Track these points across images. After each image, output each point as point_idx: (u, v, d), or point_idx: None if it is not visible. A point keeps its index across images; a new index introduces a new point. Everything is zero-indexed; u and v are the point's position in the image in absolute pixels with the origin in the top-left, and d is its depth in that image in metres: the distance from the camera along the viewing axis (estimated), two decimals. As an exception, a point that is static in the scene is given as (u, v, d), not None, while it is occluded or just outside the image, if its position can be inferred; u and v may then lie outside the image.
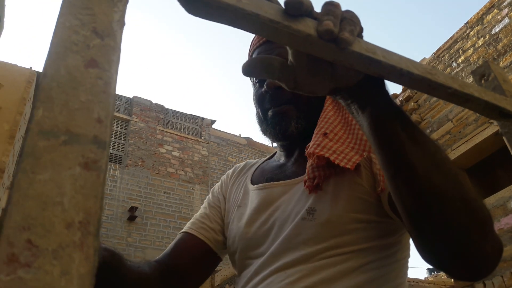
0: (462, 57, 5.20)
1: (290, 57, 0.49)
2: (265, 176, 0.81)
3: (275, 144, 0.88)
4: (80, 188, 0.21)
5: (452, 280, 5.61)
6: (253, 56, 0.80)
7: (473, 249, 0.47)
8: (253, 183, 0.83)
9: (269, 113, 0.77)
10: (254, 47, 0.81)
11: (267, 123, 0.78)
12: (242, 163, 0.95)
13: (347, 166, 0.63)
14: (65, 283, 0.18)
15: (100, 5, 0.29)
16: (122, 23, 0.30)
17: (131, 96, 10.28)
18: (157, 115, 10.07)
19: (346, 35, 0.40)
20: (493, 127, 4.57)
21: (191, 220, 0.86)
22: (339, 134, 0.70)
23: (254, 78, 0.81)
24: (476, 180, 5.47)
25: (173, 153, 9.76)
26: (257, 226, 0.74)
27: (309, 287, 0.62)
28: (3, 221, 0.19)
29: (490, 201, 4.90)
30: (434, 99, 5.36)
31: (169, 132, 9.99)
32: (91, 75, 0.26)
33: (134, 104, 9.89)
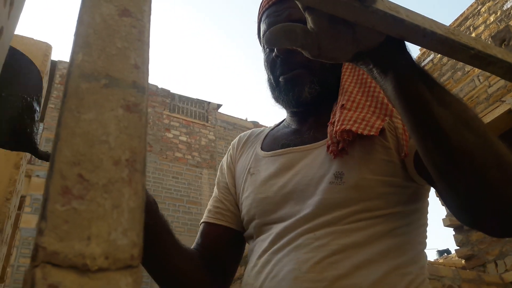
0: (473, 34, 5.11)
1: (310, 24, 0.48)
2: (279, 142, 0.79)
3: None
4: (124, 129, 0.21)
5: (463, 261, 5.62)
6: (263, 18, 0.80)
7: (508, 204, 0.47)
8: (264, 150, 0.81)
9: (281, 80, 0.75)
10: (263, 9, 0.79)
11: (279, 90, 0.76)
12: (248, 132, 0.93)
13: (371, 133, 0.63)
14: (117, 216, 0.19)
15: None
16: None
17: (137, 82, 10.28)
18: (163, 100, 10.07)
19: None
20: (505, 106, 4.51)
21: (207, 208, 0.86)
22: (357, 100, 0.68)
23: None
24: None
25: (180, 137, 9.79)
26: (275, 190, 0.72)
27: (340, 249, 0.62)
28: (54, 155, 0.19)
29: (501, 180, 4.87)
30: (445, 77, 5.29)
31: (175, 117, 9.99)
32: (125, 23, 0.26)
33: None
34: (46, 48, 0.33)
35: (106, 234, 0.18)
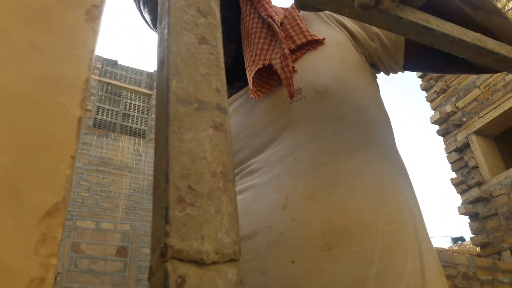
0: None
1: None
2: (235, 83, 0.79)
3: None
4: (216, 146, 0.26)
5: (478, 248, 5.63)
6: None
7: None
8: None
9: None
10: None
11: None
12: None
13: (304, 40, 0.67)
14: (220, 219, 0.23)
15: (199, -14, 0.33)
16: (217, 2, 0.34)
17: (151, 71, 10.36)
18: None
19: (385, 5, 0.44)
20: (522, 93, 4.46)
21: None
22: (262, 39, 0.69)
23: None
24: (505, 148, 5.38)
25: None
26: (242, 127, 0.71)
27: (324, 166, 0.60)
28: (168, 171, 0.23)
29: (517, 168, 4.84)
30: (460, 65, 5.24)
31: None
32: (204, 50, 0.30)
33: (155, 78, 9.97)
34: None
35: (214, 234, 0.22)
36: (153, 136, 9.06)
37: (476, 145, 5.37)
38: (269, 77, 0.68)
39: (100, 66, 9.34)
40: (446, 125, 5.84)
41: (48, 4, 0.23)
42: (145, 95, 9.71)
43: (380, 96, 0.74)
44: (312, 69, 0.66)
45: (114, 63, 9.63)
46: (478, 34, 0.53)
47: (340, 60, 0.68)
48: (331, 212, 0.55)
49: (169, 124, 0.25)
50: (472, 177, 5.38)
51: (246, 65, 0.68)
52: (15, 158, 0.19)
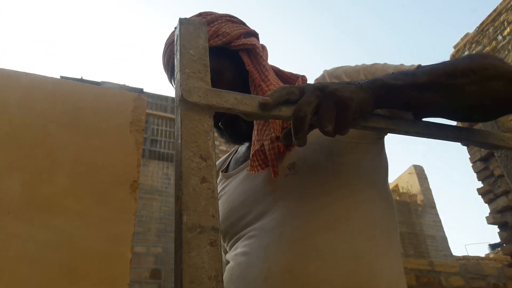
0: (508, 29, 5.05)
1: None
2: (239, 160, 0.89)
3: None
4: (211, 257, 0.42)
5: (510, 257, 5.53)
6: (172, 80, 0.87)
7: None
8: (230, 171, 0.91)
9: (220, 125, 0.84)
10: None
11: (223, 134, 0.85)
12: (218, 161, 1.00)
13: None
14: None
15: (200, 137, 0.50)
16: (214, 147, 0.50)
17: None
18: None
19: (327, 129, 0.53)
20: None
21: None
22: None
23: None
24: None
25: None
26: (239, 199, 0.80)
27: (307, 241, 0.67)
28: (182, 279, 0.40)
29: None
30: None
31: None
32: (204, 187, 0.46)
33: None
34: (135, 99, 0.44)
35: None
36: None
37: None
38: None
39: (127, 93, 9.72)
40: (470, 135, 5.81)
41: (110, 186, 0.41)
42: (171, 119, 10.07)
43: (380, 159, 0.78)
44: (307, 144, 0.72)
45: (140, 91, 10.07)
46: (422, 124, 0.67)
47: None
48: (303, 286, 0.63)
49: (182, 247, 0.42)
50: (499, 186, 5.34)
51: (252, 143, 0.77)
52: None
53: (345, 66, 0.79)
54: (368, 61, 0.84)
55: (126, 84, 10.05)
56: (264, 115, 0.55)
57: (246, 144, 0.90)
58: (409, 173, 13.24)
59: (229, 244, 0.82)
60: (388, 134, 0.79)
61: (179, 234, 0.43)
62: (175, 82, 0.56)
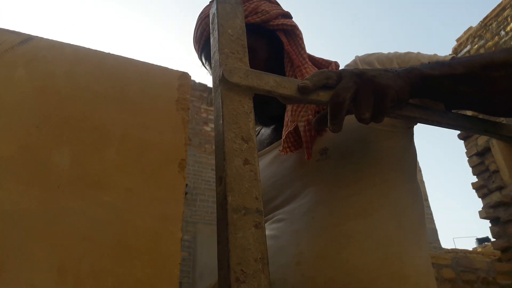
0: (511, 25, 5.04)
1: None
2: (264, 143, 0.89)
3: None
4: (257, 239, 0.42)
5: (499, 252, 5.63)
6: (203, 55, 0.85)
7: None
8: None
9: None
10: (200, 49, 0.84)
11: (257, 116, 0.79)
12: None
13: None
14: (260, 289, 0.39)
15: (241, 119, 0.49)
16: (254, 129, 0.49)
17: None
18: (201, 94, 10.40)
19: (364, 117, 0.53)
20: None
21: None
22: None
23: None
24: (525, 151, 5.36)
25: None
26: (267, 183, 0.79)
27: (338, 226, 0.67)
28: (229, 260, 0.39)
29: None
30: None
31: (213, 111, 10.25)
32: (247, 169, 0.46)
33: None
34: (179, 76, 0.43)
35: (257, 299, 0.38)
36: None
37: (497, 149, 5.38)
38: (300, 136, 0.74)
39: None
40: (467, 129, 5.84)
41: (159, 164, 0.40)
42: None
43: (409, 148, 0.77)
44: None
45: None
46: (453, 116, 0.66)
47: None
48: (336, 272, 0.63)
49: (228, 227, 0.41)
50: (493, 181, 5.39)
51: (284, 124, 0.76)
52: (153, 267, 0.35)
53: (378, 52, 0.78)
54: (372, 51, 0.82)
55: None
56: (302, 99, 0.54)
57: (272, 127, 0.89)
58: (403, 165, 13.22)
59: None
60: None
61: (224, 215, 0.42)
62: (213, 61, 0.54)
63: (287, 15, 0.84)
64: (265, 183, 0.79)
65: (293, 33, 0.81)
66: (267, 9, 0.80)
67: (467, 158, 5.84)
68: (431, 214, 12.54)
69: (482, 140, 5.64)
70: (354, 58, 0.80)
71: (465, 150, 5.91)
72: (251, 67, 0.77)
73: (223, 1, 0.58)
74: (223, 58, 0.53)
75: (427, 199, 12.93)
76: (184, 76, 0.47)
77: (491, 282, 4.25)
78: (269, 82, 0.53)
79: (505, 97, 0.61)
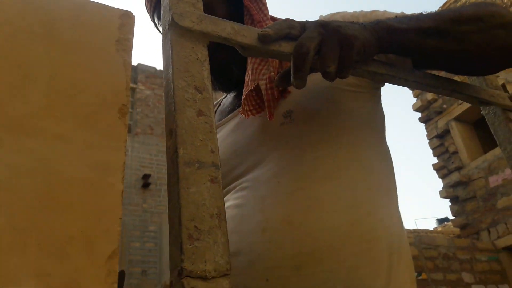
0: None
1: None
2: (226, 110, 0.84)
3: None
4: (212, 194, 0.37)
5: (459, 229, 5.88)
6: (155, 15, 0.80)
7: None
8: (217, 122, 0.83)
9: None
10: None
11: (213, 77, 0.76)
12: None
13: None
14: (216, 247, 0.35)
15: (194, 67, 0.44)
16: (209, 79, 0.45)
17: (135, 64, 10.33)
18: (162, 81, 10.17)
19: (330, 70, 0.49)
20: None
21: None
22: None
23: None
24: (483, 133, 5.59)
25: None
26: (228, 151, 0.76)
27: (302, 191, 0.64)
28: (180, 217, 0.35)
29: (495, 152, 5.05)
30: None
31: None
32: (201, 121, 0.41)
33: (139, 72, 9.93)
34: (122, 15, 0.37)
35: (213, 258, 0.34)
36: (138, 130, 9.07)
37: (456, 131, 5.58)
38: (262, 97, 0.69)
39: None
40: (428, 112, 6.03)
41: (95, 109, 0.35)
42: (130, 89, 9.71)
43: (377, 111, 0.75)
44: (304, 90, 0.65)
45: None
46: (421, 74, 0.64)
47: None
48: (303, 236, 0.61)
49: (179, 182, 0.37)
50: (453, 162, 5.60)
51: (245, 85, 0.71)
52: (87, 222, 0.30)
53: (343, 11, 0.75)
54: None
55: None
56: (263, 49, 0.50)
57: (233, 94, 0.84)
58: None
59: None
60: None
61: (175, 169, 0.38)
62: (162, 8, 0.49)
63: None
64: (227, 151, 0.76)
65: None
66: None
67: (428, 141, 6.02)
68: (394, 196, 12.89)
69: (442, 122, 5.83)
70: (318, 18, 0.76)
71: (426, 133, 6.10)
72: None
73: None
74: (173, 1, 0.47)
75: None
76: (127, 15, 0.41)
77: (451, 257, 4.44)
78: (225, 28, 0.48)
79: (477, 51, 0.59)
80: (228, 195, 0.73)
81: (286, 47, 0.51)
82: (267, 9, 0.74)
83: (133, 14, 0.41)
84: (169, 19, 0.45)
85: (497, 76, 0.84)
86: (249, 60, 0.72)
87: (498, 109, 0.73)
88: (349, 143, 0.68)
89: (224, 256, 0.35)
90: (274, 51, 0.50)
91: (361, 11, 0.73)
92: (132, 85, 9.73)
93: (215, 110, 0.90)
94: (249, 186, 0.69)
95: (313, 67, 0.53)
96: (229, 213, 0.69)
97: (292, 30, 0.51)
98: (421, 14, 0.59)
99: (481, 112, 0.77)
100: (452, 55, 0.59)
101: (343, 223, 0.62)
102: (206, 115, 0.42)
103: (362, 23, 0.55)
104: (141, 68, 10.14)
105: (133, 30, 0.41)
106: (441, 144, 5.78)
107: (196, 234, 0.35)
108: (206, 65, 0.45)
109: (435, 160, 5.96)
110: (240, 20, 0.74)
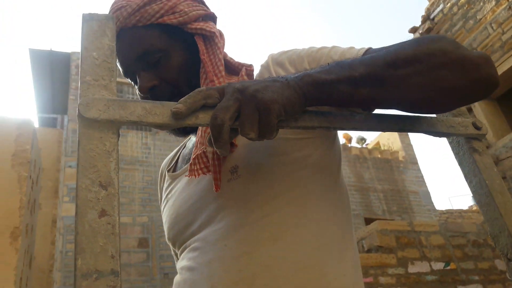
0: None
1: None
2: (185, 159, 0.81)
3: None
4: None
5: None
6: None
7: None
8: (175, 170, 0.83)
9: None
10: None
11: None
12: (167, 157, 0.93)
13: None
14: None
15: (101, 160, 0.43)
16: (117, 169, 0.44)
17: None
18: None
19: (250, 137, 0.48)
20: (520, 54, 4.42)
21: None
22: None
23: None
24: (509, 109, 5.36)
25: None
26: (184, 206, 0.73)
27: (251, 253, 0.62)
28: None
29: (521, 129, 4.83)
30: (456, 27, 5.18)
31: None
32: (103, 222, 0.40)
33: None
34: (59, 135, 0.39)
35: None
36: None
37: (479, 108, 5.36)
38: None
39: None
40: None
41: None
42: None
43: (329, 155, 0.71)
44: (249, 145, 0.66)
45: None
46: (360, 118, 0.60)
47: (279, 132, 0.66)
48: None
49: (74, 299, 0.36)
50: (481, 139, 5.39)
51: (195, 144, 0.70)
52: None
53: (292, 50, 0.71)
54: (341, 43, 0.74)
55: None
56: (179, 125, 0.49)
57: (193, 140, 0.82)
58: (391, 130, 13.35)
59: (179, 251, 0.76)
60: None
61: (73, 281, 0.37)
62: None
63: (210, 16, 0.76)
64: (183, 205, 0.74)
65: (212, 39, 0.74)
66: (186, 9, 0.72)
67: (451, 120, 5.81)
68: (422, 177, 12.64)
69: (464, 101, 5.58)
70: (268, 57, 0.73)
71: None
72: (163, 72, 0.71)
73: (90, 18, 0.52)
74: (83, 88, 0.46)
75: (416, 163, 13.01)
76: (25, 123, 0.41)
77: (482, 244, 4.25)
78: (135, 111, 0.47)
79: (418, 96, 0.54)
80: (184, 253, 0.72)
81: (204, 118, 0.49)
82: (221, 62, 0.71)
83: (32, 122, 0.41)
84: (77, 110, 0.45)
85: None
86: None
87: (461, 137, 0.69)
88: (298, 197, 0.65)
89: None
90: (191, 124, 0.49)
91: (309, 48, 0.69)
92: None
93: (179, 152, 0.89)
94: (200, 247, 0.67)
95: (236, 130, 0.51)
96: (182, 275, 0.68)
97: (208, 99, 0.49)
98: (355, 60, 0.55)
99: (448, 141, 0.73)
100: (391, 101, 0.55)
101: None
102: (109, 215, 0.41)
103: (285, 79, 0.52)
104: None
105: (30, 139, 0.40)
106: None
107: None
108: (115, 155, 0.44)
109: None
110: (197, 71, 0.73)
